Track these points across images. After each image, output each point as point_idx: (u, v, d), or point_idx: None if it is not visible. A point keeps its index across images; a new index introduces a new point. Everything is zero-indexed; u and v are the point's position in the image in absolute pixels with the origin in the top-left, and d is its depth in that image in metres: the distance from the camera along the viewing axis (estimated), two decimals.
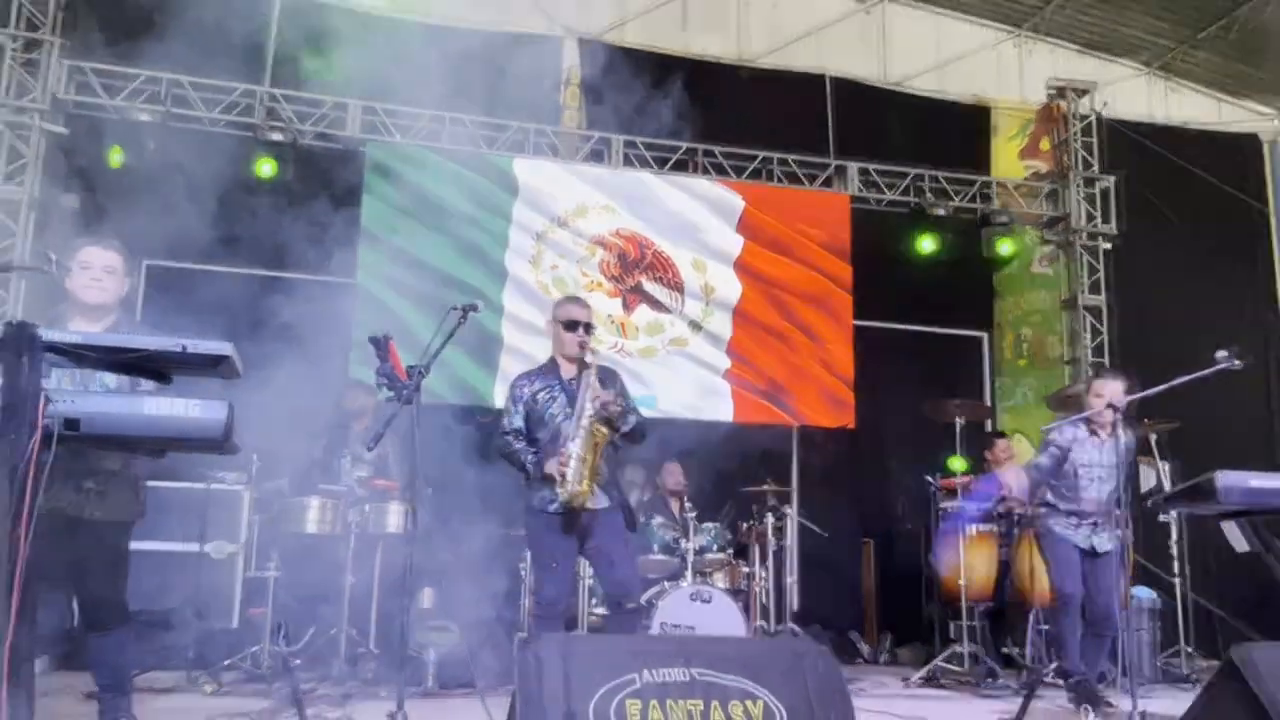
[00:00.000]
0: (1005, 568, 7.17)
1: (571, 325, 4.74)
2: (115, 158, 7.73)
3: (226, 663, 5.84)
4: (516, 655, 2.54)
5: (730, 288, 8.81)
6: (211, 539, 6.43)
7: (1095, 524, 5.65)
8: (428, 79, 8.28)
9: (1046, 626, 6.90)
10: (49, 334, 3.17)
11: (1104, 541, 5.62)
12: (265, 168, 7.99)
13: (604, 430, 4.50)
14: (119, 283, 3.82)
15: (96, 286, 3.74)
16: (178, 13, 7.90)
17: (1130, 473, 5.68)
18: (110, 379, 3.56)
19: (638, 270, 8.61)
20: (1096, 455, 5.63)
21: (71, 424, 3.12)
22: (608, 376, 4.81)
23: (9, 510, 3.00)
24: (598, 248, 8.58)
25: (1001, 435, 8.40)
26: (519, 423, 4.75)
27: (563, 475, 4.41)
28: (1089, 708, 5.16)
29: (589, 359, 4.67)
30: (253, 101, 8.13)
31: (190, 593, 6.21)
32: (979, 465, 7.91)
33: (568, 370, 4.79)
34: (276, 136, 8.05)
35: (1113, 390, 5.52)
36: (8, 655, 3.00)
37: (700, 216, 8.84)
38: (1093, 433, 5.64)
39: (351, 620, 6.14)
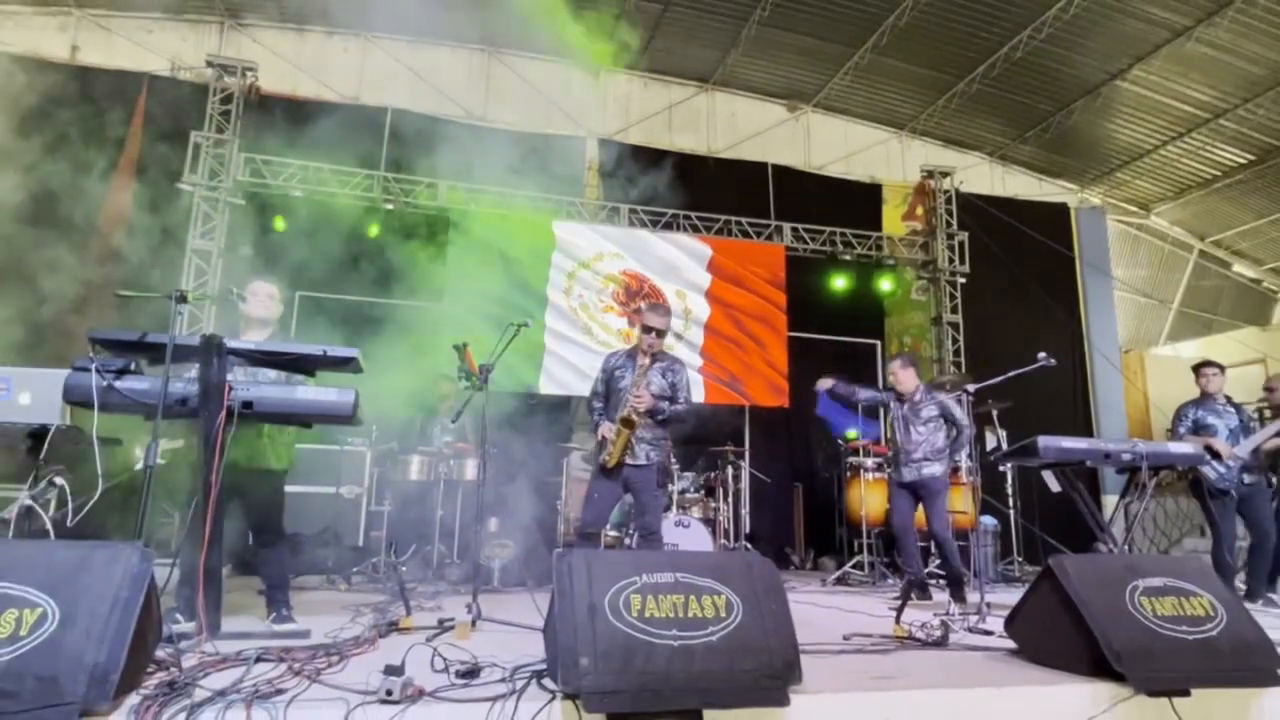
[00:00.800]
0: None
1: (646, 330, 4.44)
2: (279, 223, 7.74)
3: (355, 570, 5.83)
4: (555, 564, 2.53)
5: (702, 310, 8.78)
6: (344, 483, 6.45)
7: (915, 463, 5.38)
8: (493, 164, 8.30)
9: (922, 543, 6.89)
10: (231, 342, 3.18)
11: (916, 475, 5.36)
12: (378, 227, 7.97)
13: (635, 421, 4.28)
14: (276, 304, 3.80)
15: (260, 306, 3.73)
16: (321, 119, 7.93)
17: (953, 430, 5.48)
18: (272, 374, 3.57)
19: (638, 298, 8.58)
20: (898, 412, 5.56)
21: (247, 405, 3.13)
22: (672, 368, 4.52)
23: (204, 464, 3.01)
24: (610, 282, 8.55)
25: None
26: (600, 388, 4.54)
27: (604, 440, 4.31)
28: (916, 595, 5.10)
29: (646, 366, 4.41)
30: (372, 181, 8.11)
31: (330, 521, 6.22)
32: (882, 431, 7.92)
33: (643, 357, 4.46)
34: (388, 206, 8.04)
35: (891, 371, 5.60)
36: (202, 568, 3.00)
37: (682, 261, 8.80)
38: (899, 399, 5.59)
39: (441, 540, 6.13)
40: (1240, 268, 12.92)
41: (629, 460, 4.36)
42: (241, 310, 3.73)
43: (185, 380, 3.12)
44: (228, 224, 7.74)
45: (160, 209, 7.44)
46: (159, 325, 3.28)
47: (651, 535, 4.45)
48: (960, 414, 5.37)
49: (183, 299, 3.11)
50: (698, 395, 8.52)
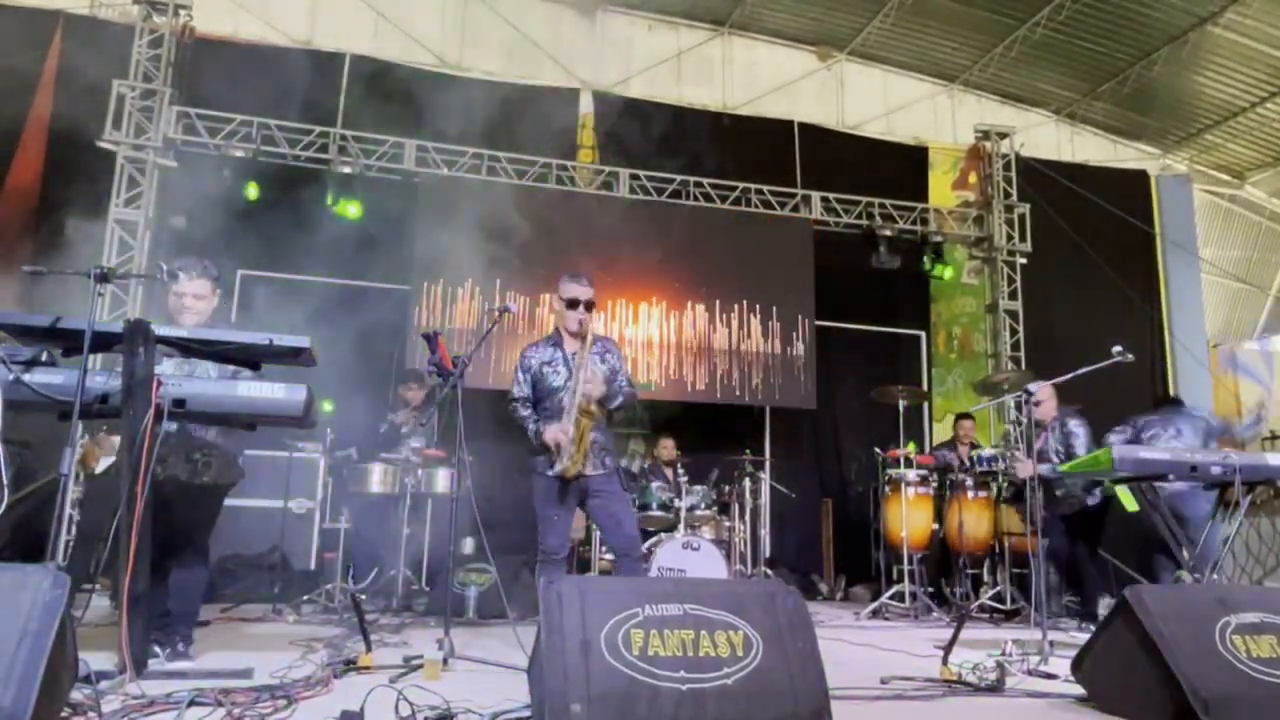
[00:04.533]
0: (940, 522, 7.16)
1: (573, 304, 4.28)
2: (217, 189, 7.71)
3: (305, 597, 5.82)
4: (542, 593, 2.52)
5: None
6: (293, 496, 6.45)
7: None
8: (469, 123, 8.28)
9: (972, 571, 6.93)
10: (160, 329, 3.17)
11: None
12: (337, 196, 7.95)
13: (593, 411, 4.19)
14: (208, 304, 3.75)
15: (188, 311, 3.69)
16: (267, 68, 7.90)
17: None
18: (212, 369, 3.56)
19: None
20: None
21: (179, 402, 3.12)
22: (608, 349, 4.45)
23: (130, 471, 3.00)
24: None
25: (969, 417, 8.29)
26: (526, 391, 4.33)
27: (558, 448, 4.11)
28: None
29: (588, 336, 4.30)
30: (327, 140, 8.09)
31: (276, 540, 6.22)
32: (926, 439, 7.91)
33: (571, 345, 4.33)
34: (346, 169, 8.02)
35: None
36: (127, 590, 2.99)
37: None
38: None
39: (407, 563, 6.13)
40: None
41: (586, 470, 4.20)
42: (172, 293, 3.71)
43: (107, 374, 3.11)
44: (156, 190, 7.71)
45: (77, 171, 7.42)
46: (75, 308, 3.27)
47: (636, 554, 4.35)
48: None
49: (104, 277, 3.09)
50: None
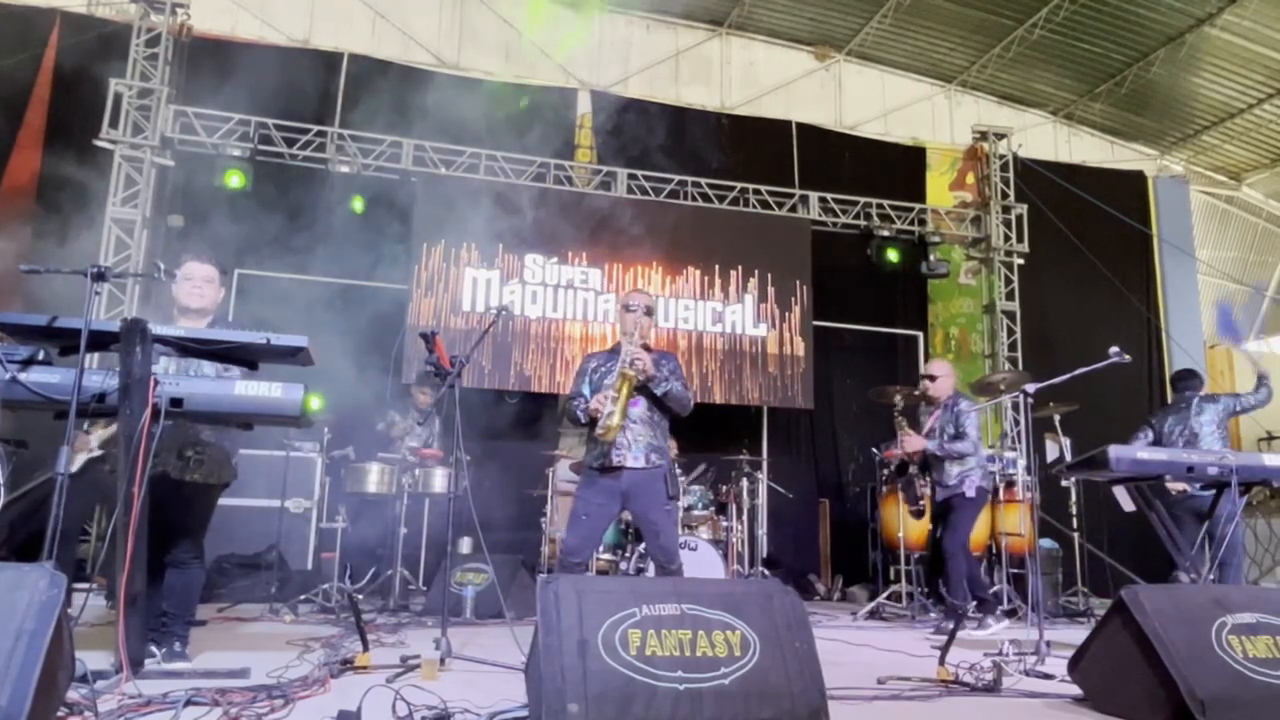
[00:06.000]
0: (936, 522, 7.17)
1: (628, 309, 4.37)
2: (216, 189, 7.69)
3: (302, 597, 5.82)
4: (539, 593, 2.51)
5: None
6: (290, 496, 6.44)
7: None
8: (467, 122, 8.29)
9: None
10: (158, 329, 3.17)
11: None
12: (357, 204, 7.97)
13: (632, 375, 4.12)
14: (215, 290, 3.79)
15: (197, 294, 3.72)
16: (265, 67, 7.90)
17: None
18: (209, 368, 3.56)
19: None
20: None
21: (176, 402, 3.12)
22: (665, 356, 4.43)
23: (126, 470, 3.00)
24: None
25: None
26: (585, 390, 4.35)
27: (599, 408, 4.10)
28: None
29: (637, 340, 4.28)
30: (325, 139, 8.08)
31: (273, 540, 6.22)
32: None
33: (628, 344, 4.29)
34: (344, 168, 8.02)
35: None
36: (124, 589, 2.99)
37: None
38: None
39: (404, 563, 6.12)
40: None
41: (628, 462, 4.17)
42: (173, 293, 3.71)
43: (104, 373, 3.11)
44: (154, 189, 7.70)
45: (74, 170, 7.41)
46: (72, 308, 3.26)
47: (673, 566, 4.26)
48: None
49: (100, 276, 3.09)
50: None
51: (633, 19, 9.97)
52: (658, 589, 2.65)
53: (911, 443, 5.96)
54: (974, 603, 5.84)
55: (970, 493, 5.82)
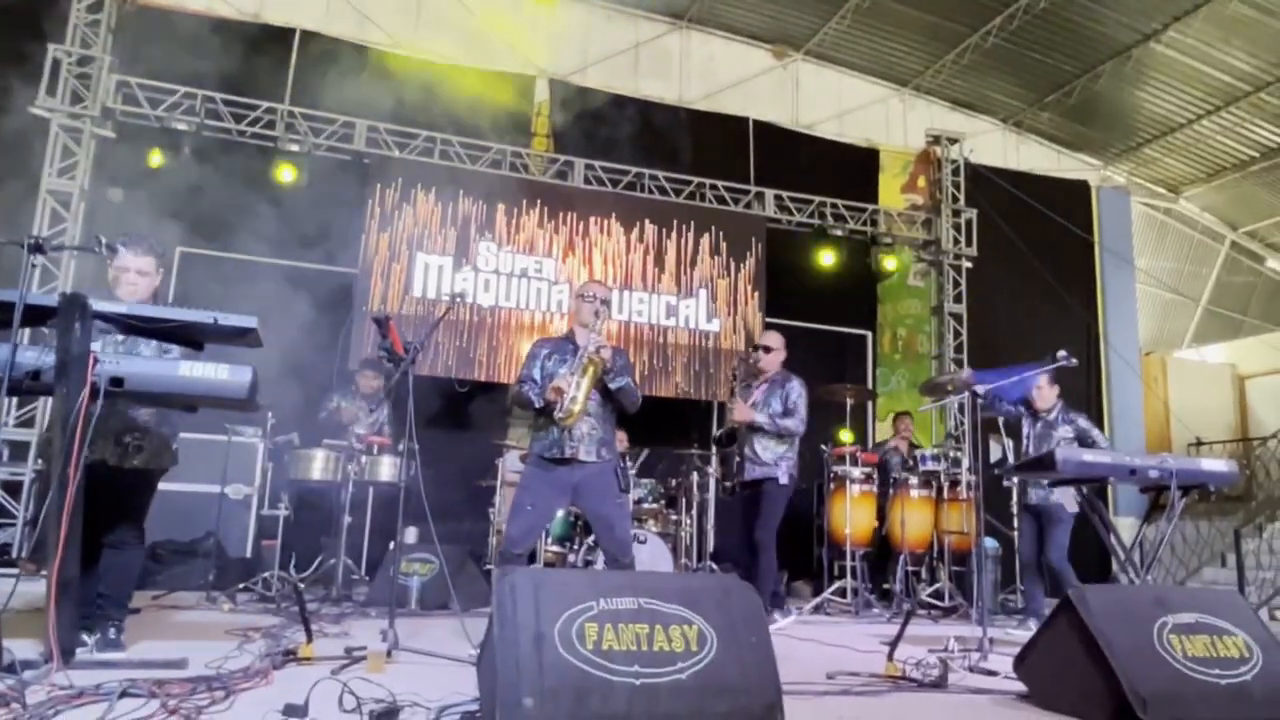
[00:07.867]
0: (881, 519, 7.27)
1: (586, 298, 4.38)
2: (154, 158, 7.46)
3: (241, 586, 5.68)
4: (495, 584, 2.47)
5: None
6: (230, 482, 6.28)
7: None
8: (422, 105, 8.15)
9: (913, 568, 7.04)
10: (98, 304, 3.04)
11: None
12: (285, 173, 7.77)
13: (598, 361, 4.11)
14: (151, 281, 3.62)
15: (130, 287, 3.55)
16: (213, 40, 7.67)
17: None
18: (146, 348, 3.43)
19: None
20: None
21: (116, 381, 2.99)
22: (616, 351, 4.36)
23: (62, 451, 2.87)
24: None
25: (907, 414, 8.47)
26: (536, 374, 4.28)
27: (559, 393, 4.05)
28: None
29: (600, 329, 4.26)
30: (274, 117, 7.87)
31: (211, 527, 6.06)
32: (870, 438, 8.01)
33: (583, 338, 4.29)
34: (293, 147, 7.83)
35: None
36: (56, 575, 2.87)
37: None
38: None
39: (348, 552, 6.00)
40: (1275, 263, 13.40)
41: (580, 455, 4.14)
42: (109, 284, 3.56)
43: (39, 349, 2.97)
44: (93, 160, 7.42)
45: (8, 138, 7.11)
46: (6, 280, 3.12)
47: (626, 559, 4.23)
48: (1103, 440, 5.82)
49: (38, 248, 2.95)
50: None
51: (593, 7, 9.90)
52: (615, 582, 2.62)
53: (742, 412, 5.64)
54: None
55: (784, 479, 5.63)
